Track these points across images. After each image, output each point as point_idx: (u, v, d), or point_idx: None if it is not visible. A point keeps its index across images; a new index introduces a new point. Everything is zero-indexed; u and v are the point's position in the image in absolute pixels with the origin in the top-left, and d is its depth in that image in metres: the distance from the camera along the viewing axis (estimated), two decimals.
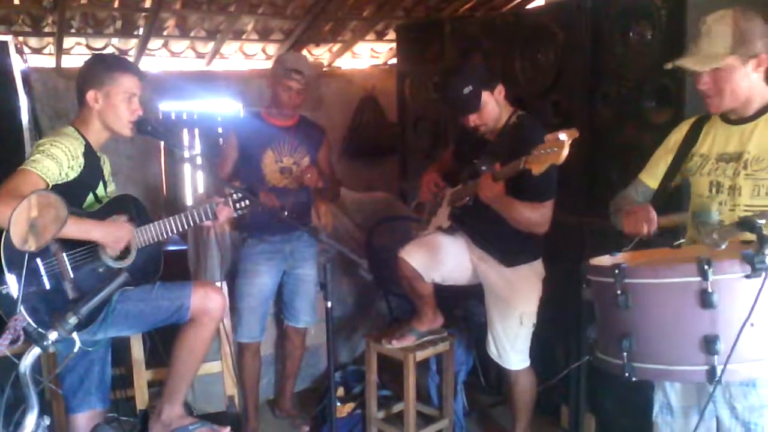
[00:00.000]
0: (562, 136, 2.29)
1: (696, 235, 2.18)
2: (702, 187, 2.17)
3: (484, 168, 2.72)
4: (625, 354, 1.78)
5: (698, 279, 1.68)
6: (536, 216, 2.72)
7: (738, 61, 1.99)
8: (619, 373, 1.80)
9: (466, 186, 2.92)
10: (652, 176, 2.33)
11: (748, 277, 1.65)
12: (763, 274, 1.63)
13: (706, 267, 1.66)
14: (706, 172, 2.15)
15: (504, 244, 2.90)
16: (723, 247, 1.73)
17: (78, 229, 2.23)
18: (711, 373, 1.68)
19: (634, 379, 1.79)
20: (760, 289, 1.63)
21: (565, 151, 2.29)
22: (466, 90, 2.73)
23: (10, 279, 2.14)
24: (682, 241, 2.19)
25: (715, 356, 1.66)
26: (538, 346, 3.04)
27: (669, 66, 2.11)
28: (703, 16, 2.06)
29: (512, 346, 2.95)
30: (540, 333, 3.00)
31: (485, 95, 2.76)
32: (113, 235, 2.32)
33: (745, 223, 1.68)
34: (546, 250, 2.96)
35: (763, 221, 1.65)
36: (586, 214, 3.16)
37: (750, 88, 2.03)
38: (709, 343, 1.67)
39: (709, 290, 1.66)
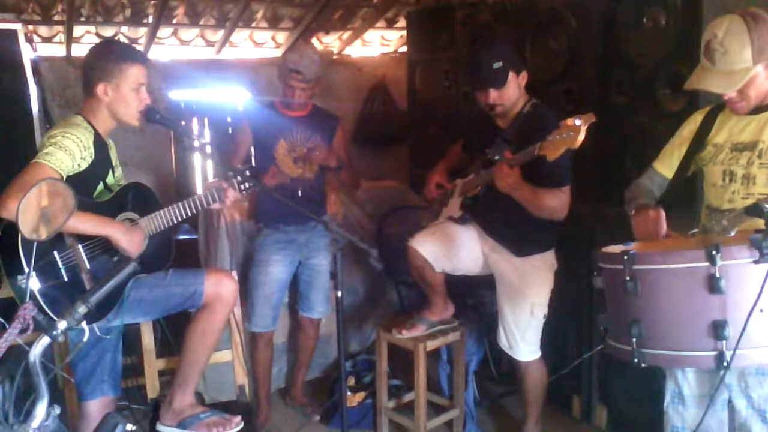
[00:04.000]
0: (578, 120, 2.27)
1: (710, 224, 2.16)
2: (715, 177, 2.16)
3: (497, 158, 2.70)
4: (634, 340, 1.78)
5: (706, 264, 1.67)
6: (556, 202, 2.69)
7: (761, 66, 1.97)
8: (629, 360, 1.80)
9: (478, 175, 2.90)
10: (666, 166, 2.32)
11: (756, 262, 1.64)
12: None
13: (714, 252, 1.65)
14: (720, 161, 2.15)
15: (516, 233, 2.88)
16: (732, 233, 1.72)
17: (94, 225, 2.25)
18: (719, 359, 1.67)
19: (643, 365, 1.79)
20: (767, 274, 1.61)
21: (581, 136, 2.27)
22: (496, 65, 2.73)
23: (28, 272, 2.15)
24: (696, 230, 2.17)
25: (724, 342, 1.66)
26: (549, 336, 3.02)
27: (689, 87, 2.09)
28: (709, 26, 2.02)
29: (523, 337, 2.93)
30: (551, 323, 2.98)
31: (511, 75, 2.75)
32: (126, 234, 2.32)
33: (753, 209, 1.67)
34: (557, 239, 2.94)
35: None
36: (599, 202, 3.13)
37: None
38: (717, 329, 1.66)
39: (717, 275, 1.66)
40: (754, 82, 1.99)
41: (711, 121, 2.21)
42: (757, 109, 2.08)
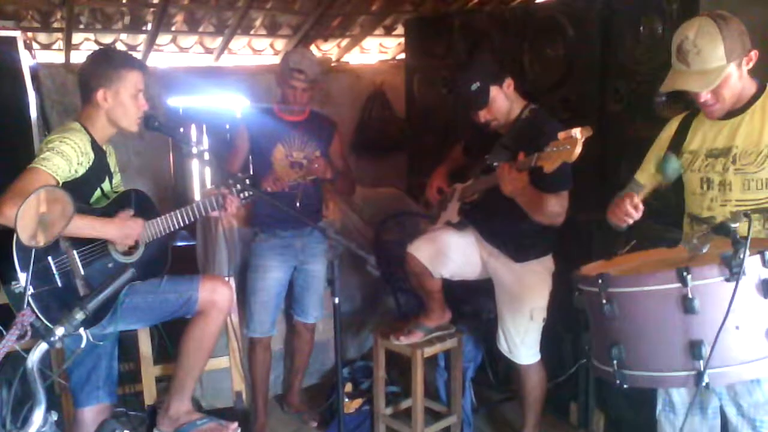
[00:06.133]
0: (576, 133, 2.27)
1: (692, 233, 2.17)
2: (694, 184, 2.19)
3: (495, 164, 2.70)
4: (615, 362, 1.79)
5: (678, 285, 1.68)
6: (557, 207, 2.70)
7: (733, 65, 2.00)
8: (611, 381, 1.82)
9: (477, 180, 2.90)
10: (646, 175, 2.35)
11: (728, 280, 1.64)
12: (740, 276, 1.61)
13: (685, 273, 1.66)
14: (697, 169, 2.17)
15: (514, 240, 2.89)
16: (704, 251, 1.72)
17: (90, 227, 2.26)
18: (698, 378, 1.68)
19: (625, 386, 1.80)
20: (734, 292, 1.62)
21: (578, 149, 2.27)
22: (474, 86, 2.73)
23: (23, 278, 2.16)
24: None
25: (701, 361, 1.66)
26: (547, 343, 3.03)
27: (665, 89, 2.11)
28: (679, 29, 2.06)
29: (522, 341, 2.94)
30: (549, 330, 2.99)
31: (494, 90, 2.75)
32: (124, 232, 2.34)
33: (721, 228, 1.68)
34: (555, 244, 2.94)
35: (737, 225, 1.65)
36: (596, 210, 3.13)
37: (742, 84, 2.06)
38: (694, 348, 1.67)
39: (690, 296, 1.66)
40: (727, 82, 2.01)
41: (685, 127, 2.24)
42: (729, 114, 2.10)
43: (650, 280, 1.75)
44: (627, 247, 2.11)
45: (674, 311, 1.69)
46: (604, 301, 1.78)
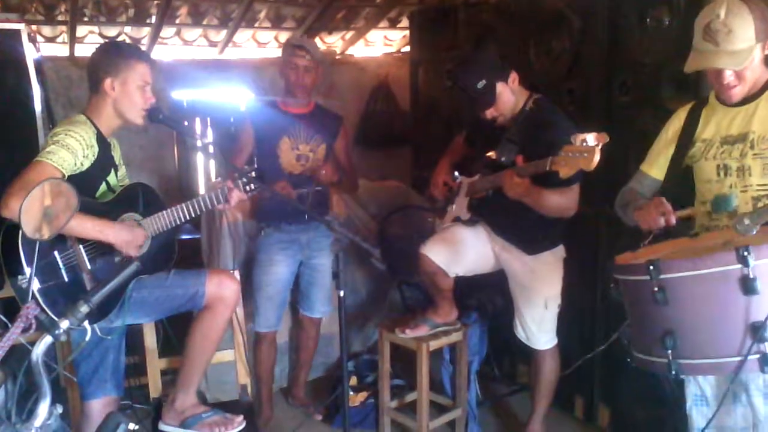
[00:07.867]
0: (591, 140, 2.23)
1: (708, 222, 2.15)
2: (709, 172, 2.15)
3: (503, 159, 2.69)
4: (669, 352, 1.72)
5: (738, 266, 1.63)
6: (564, 201, 2.68)
7: (759, 47, 1.98)
8: (665, 372, 1.75)
9: (485, 178, 2.89)
10: (654, 167, 2.31)
11: None
12: None
13: (745, 253, 1.61)
14: (712, 156, 2.14)
15: (526, 233, 2.88)
16: (754, 232, 1.69)
17: (90, 228, 2.23)
18: (763, 361, 1.63)
19: (681, 376, 1.75)
20: None
21: (597, 158, 2.25)
22: (480, 84, 2.70)
23: (29, 272, 2.15)
24: (696, 230, 2.16)
25: (766, 343, 1.62)
26: None
27: (690, 69, 2.06)
28: (706, 8, 2.01)
29: (539, 329, 2.98)
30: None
31: (500, 86, 2.73)
32: (124, 238, 2.30)
33: None
34: (564, 237, 2.94)
35: None
36: (603, 203, 3.12)
37: (761, 68, 2.04)
38: (757, 330, 1.62)
39: (752, 276, 1.62)
40: (751, 65, 1.99)
41: (696, 117, 2.21)
42: (743, 101, 2.08)
43: (708, 262, 1.68)
44: (649, 238, 2.07)
45: (734, 293, 1.64)
46: (655, 289, 1.72)
